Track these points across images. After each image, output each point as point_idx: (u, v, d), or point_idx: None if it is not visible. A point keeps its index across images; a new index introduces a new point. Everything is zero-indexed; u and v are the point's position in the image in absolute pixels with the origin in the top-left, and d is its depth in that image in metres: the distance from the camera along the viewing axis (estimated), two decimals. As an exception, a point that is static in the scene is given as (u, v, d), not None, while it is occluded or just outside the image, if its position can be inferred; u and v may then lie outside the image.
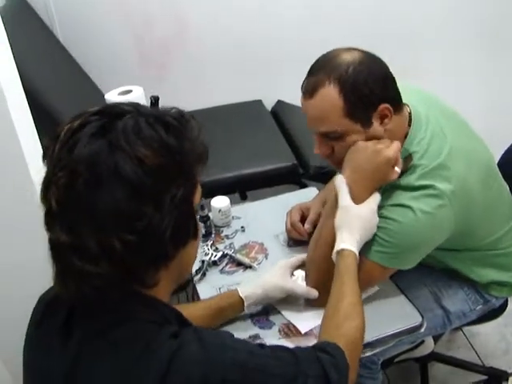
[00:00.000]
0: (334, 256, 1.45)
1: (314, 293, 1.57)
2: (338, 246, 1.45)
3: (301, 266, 1.66)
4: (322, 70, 1.49)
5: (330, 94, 1.46)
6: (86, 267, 0.93)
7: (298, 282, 1.64)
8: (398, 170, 1.49)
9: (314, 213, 1.86)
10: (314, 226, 1.74)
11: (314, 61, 1.53)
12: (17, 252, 1.71)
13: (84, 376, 0.99)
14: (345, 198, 1.49)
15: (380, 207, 1.52)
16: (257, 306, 1.61)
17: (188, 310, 1.40)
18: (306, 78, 1.52)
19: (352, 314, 1.34)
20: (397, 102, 1.53)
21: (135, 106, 1.01)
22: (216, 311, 1.55)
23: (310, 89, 1.49)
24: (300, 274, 1.67)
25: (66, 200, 0.93)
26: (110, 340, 0.98)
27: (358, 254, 1.44)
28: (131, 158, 0.92)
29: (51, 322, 1.07)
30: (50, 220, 0.96)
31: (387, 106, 1.48)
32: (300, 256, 1.67)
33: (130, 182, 0.91)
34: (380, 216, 1.51)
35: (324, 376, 1.10)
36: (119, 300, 1.00)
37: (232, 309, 1.57)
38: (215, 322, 1.55)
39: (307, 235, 1.81)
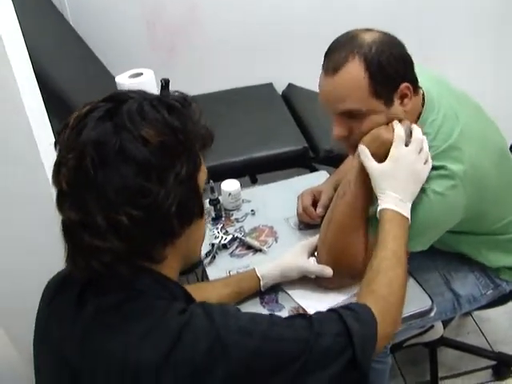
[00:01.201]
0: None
1: (328, 271, 1.56)
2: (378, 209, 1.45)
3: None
4: (344, 48, 1.46)
5: (356, 70, 1.44)
6: (95, 243, 0.97)
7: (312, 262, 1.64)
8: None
9: (326, 196, 1.85)
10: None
11: (324, 44, 1.51)
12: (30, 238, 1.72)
13: (96, 346, 1.02)
14: (369, 162, 1.47)
15: None
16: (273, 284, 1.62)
17: (207, 289, 1.40)
18: (327, 56, 1.50)
19: (383, 268, 1.34)
20: (415, 83, 1.52)
21: (140, 92, 1.06)
22: (234, 289, 1.57)
23: (333, 65, 1.46)
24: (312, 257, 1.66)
25: (75, 180, 0.98)
26: (121, 314, 1.02)
27: (398, 208, 1.41)
28: (135, 138, 0.97)
29: (63, 299, 1.11)
30: (61, 200, 1.01)
31: (408, 85, 1.47)
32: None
33: (135, 159, 0.96)
34: None
35: (345, 331, 1.11)
36: (129, 277, 1.03)
37: (249, 287, 1.60)
38: (232, 300, 1.57)
39: (319, 219, 1.81)
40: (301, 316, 1.15)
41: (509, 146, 1.83)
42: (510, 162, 1.72)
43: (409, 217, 1.43)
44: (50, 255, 1.29)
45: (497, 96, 3.06)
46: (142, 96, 1.04)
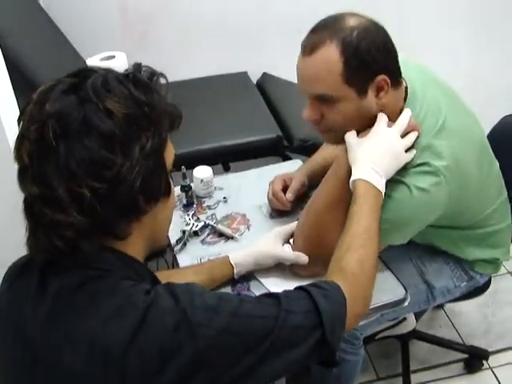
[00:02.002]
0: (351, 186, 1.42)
1: (304, 258, 1.53)
2: (351, 178, 1.42)
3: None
4: (325, 29, 1.42)
5: (331, 54, 1.40)
6: (56, 217, 0.94)
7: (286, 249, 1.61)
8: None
9: (296, 183, 1.82)
10: (301, 196, 1.72)
11: (300, 33, 1.47)
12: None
13: (60, 327, 0.99)
14: (350, 135, 1.46)
15: None
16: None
17: (176, 276, 1.38)
18: (309, 35, 1.46)
19: (353, 244, 1.31)
20: (395, 76, 1.48)
21: (107, 69, 1.03)
22: (206, 276, 1.53)
23: (310, 45, 1.43)
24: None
25: (37, 153, 0.95)
26: (85, 294, 0.99)
27: (373, 180, 1.38)
28: (100, 109, 0.95)
29: (24, 282, 1.07)
30: (23, 175, 0.98)
31: (385, 77, 1.43)
32: (294, 224, 1.62)
33: (99, 130, 0.94)
34: None
35: (314, 309, 1.10)
36: (92, 256, 1.00)
37: (222, 274, 1.56)
38: (205, 287, 1.52)
39: (290, 205, 1.79)
40: (270, 295, 1.13)
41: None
42: (490, 153, 1.71)
43: (383, 191, 1.40)
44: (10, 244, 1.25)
45: (473, 86, 3.06)
46: (107, 71, 1.02)
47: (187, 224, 1.79)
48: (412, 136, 1.44)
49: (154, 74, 1.05)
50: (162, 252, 1.26)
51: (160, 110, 1.02)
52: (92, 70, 1.02)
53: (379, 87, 1.44)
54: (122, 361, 0.94)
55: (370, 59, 1.40)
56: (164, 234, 1.20)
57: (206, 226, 1.81)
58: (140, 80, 1.02)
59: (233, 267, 1.56)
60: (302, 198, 1.84)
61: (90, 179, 0.94)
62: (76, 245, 0.97)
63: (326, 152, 1.86)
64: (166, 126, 1.03)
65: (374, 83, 1.43)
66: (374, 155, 1.42)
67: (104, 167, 0.94)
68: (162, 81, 1.06)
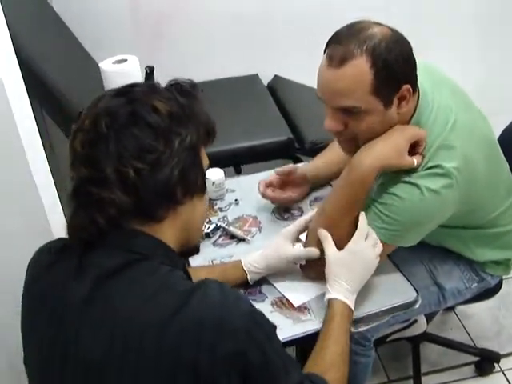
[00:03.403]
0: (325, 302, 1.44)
1: (315, 251, 1.53)
2: (326, 296, 1.44)
3: (302, 230, 1.62)
4: (352, 39, 1.40)
5: (361, 66, 1.39)
6: (102, 194, 1.03)
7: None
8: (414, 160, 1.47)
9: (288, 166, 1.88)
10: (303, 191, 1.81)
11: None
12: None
13: (98, 311, 1.04)
14: (329, 247, 1.47)
15: (386, 183, 1.50)
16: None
17: (192, 272, 1.40)
18: (333, 44, 1.44)
19: (337, 363, 1.33)
20: (416, 84, 1.49)
21: (152, 82, 1.16)
22: (220, 278, 1.52)
23: (338, 57, 1.40)
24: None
25: (89, 140, 1.06)
26: (125, 277, 1.05)
27: (348, 301, 1.42)
28: (147, 105, 1.06)
29: (63, 266, 1.12)
30: (74, 161, 1.08)
31: (408, 87, 1.44)
32: (297, 222, 1.62)
33: (145, 121, 1.05)
34: (386, 192, 1.49)
35: None
36: (129, 239, 1.08)
37: (234, 277, 1.58)
38: None
39: (282, 199, 1.85)
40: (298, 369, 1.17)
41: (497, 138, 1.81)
42: (499, 153, 1.71)
43: (353, 308, 1.43)
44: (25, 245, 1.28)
45: (484, 86, 3.05)
46: (153, 82, 1.15)
47: (199, 226, 1.80)
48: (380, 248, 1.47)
49: (195, 86, 1.17)
50: (195, 251, 1.31)
51: (199, 115, 1.13)
52: (139, 84, 1.14)
53: (403, 96, 1.45)
54: (160, 336, 0.98)
55: (398, 70, 1.41)
56: (197, 232, 1.26)
57: (217, 227, 1.82)
58: (183, 87, 1.14)
59: (246, 273, 1.57)
60: (303, 192, 1.90)
61: (135, 160, 1.03)
62: (116, 224, 1.06)
63: (329, 156, 1.88)
64: (202, 129, 1.13)
65: (398, 93, 1.44)
66: (352, 277, 1.44)
67: (147, 151, 1.04)
68: (200, 94, 1.17)
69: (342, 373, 1.32)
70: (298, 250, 1.58)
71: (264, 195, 1.84)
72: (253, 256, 1.59)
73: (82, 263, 1.08)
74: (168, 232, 1.12)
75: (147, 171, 1.04)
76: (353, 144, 1.53)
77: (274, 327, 1.11)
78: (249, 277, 1.57)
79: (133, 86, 1.13)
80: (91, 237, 1.06)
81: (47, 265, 1.14)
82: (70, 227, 1.09)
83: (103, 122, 1.04)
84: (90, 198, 1.05)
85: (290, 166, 1.87)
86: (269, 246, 1.60)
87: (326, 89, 1.47)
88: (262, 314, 1.08)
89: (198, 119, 1.12)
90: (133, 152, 1.03)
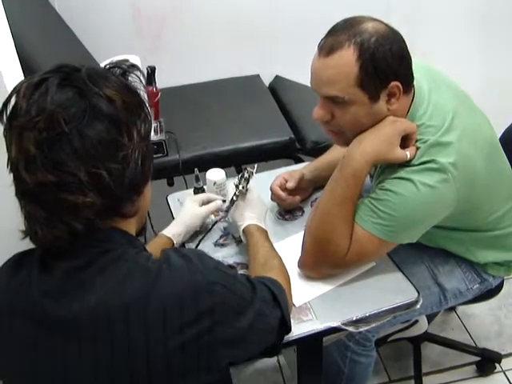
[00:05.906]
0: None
1: (219, 202, 1.79)
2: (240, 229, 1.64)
3: (205, 201, 1.80)
4: (344, 32, 1.44)
5: (348, 57, 1.42)
6: (79, 199, 0.98)
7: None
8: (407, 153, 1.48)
9: (296, 173, 1.87)
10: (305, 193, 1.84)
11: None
12: None
13: (71, 301, 1.02)
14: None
15: (381, 180, 1.51)
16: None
17: None
18: (326, 37, 1.48)
19: (269, 256, 1.49)
20: (408, 83, 1.50)
21: (83, 64, 1.07)
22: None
23: (327, 47, 1.45)
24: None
25: (48, 141, 0.97)
26: (94, 269, 1.03)
27: (255, 223, 1.61)
28: (101, 96, 1.00)
29: (22, 274, 1.09)
30: (31, 165, 0.98)
31: (398, 84, 1.45)
32: (204, 194, 1.85)
33: (105, 115, 0.99)
34: (381, 188, 1.50)
35: (273, 298, 1.24)
36: (102, 236, 1.06)
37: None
38: None
39: (292, 199, 1.84)
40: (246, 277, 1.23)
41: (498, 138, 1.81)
42: (500, 154, 1.71)
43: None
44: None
45: (485, 88, 3.05)
46: (89, 66, 1.06)
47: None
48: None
49: (133, 65, 1.12)
50: (143, 232, 1.32)
51: (143, 96, 1.10)
52: (73, 64, 1.05)
53: (391, 93, 1.46)
54: (145, 311, 1.00)
55: (385, 66, 1.42)
56: (144, 215, 1.25)
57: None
58: (125, 70, 1.10)
59: (171, 240, 1.68)
60: (307, 194, 1.91)
61: (107, 160, 0.99)
62: (92, 226, 1.02)
63: (333, 155, 1.88)
64: (146, 111, 1.10)
65: (386, 89, 1.45)
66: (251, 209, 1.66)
67: (116, 148, 1.00)
68: (137, 73, 1.13)
69: (277, 259, 1.48)
70: (206, 206, 1.77)
71: (279, 198, 1.84)
72: (171, 226, 1.73)
73: (44, 267, 1.06)
74: (132, 223, 1.14)
75: (119, 170, 1.01)
76: (341, 137, 1.57)
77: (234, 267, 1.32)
78: (175, 242, 1.69)
79: (73, 68, 1.03)
80: (66, 243, 1.03)
81: (5, 280, 1.11)
82: (43, 237, 1.02)
83: (61, 118, 0.96)
84: (60, 205, 0.99)
85: (298, 172, 1.86)
86: (180, 213, 1.76)
87: (315, 77, 1.50)
88: (221, 262, 1.17)
89: (144, 104, 1.09)
90: (103, 151, 0.99)
